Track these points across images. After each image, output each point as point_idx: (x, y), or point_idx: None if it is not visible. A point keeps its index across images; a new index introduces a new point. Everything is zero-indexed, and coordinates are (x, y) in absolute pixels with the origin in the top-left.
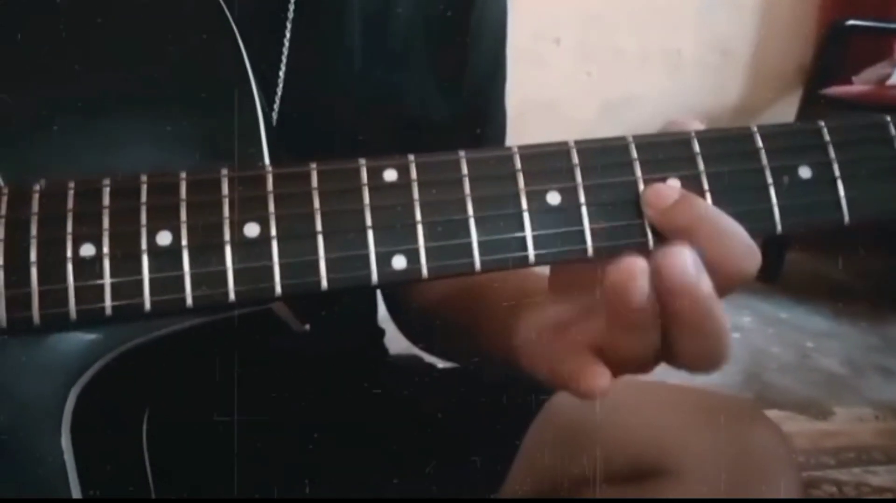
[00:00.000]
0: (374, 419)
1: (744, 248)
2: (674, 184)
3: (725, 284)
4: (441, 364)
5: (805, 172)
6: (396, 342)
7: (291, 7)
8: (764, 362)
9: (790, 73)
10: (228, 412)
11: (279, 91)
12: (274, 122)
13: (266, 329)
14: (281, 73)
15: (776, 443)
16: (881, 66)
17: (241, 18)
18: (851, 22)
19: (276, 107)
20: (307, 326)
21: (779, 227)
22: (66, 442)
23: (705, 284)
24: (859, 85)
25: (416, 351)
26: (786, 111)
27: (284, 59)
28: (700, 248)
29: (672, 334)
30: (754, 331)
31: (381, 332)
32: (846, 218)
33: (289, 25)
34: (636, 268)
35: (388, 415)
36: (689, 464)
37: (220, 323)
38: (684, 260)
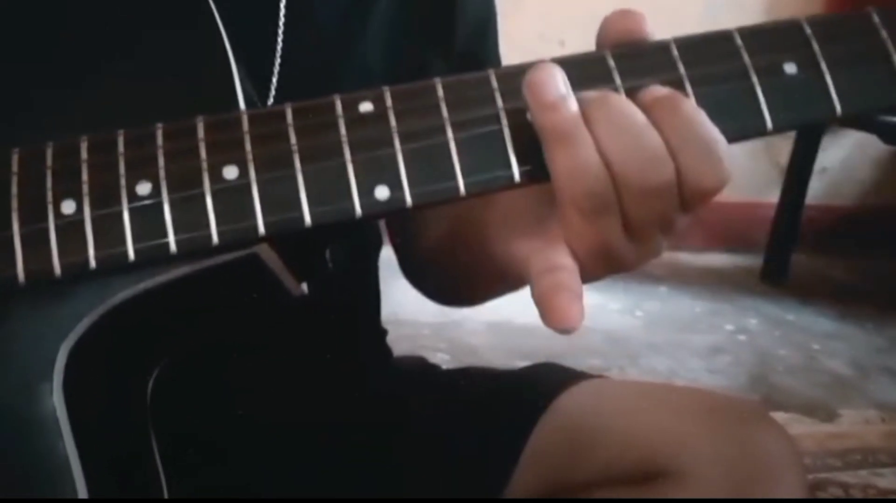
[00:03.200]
0: (377, 419)
1: (716, 163)
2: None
3: (697, 199)
4: (445, 366)
5: (790, 68)
6: (398, 343)
7: None
8: (770, 364)
9: None
10: (229, 410)
11: (276, 67)
12: (271, 98)
13: (262, 289)
14: (278, 48)
15: (782, 446)
16: None
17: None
18: None
19: (273, 82)
20: (304, 287)
21: (769, 125)
22: (57, 398)
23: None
24: None
25: (419, 352)
26: None
27: (280, 36)
28: (677, 153)
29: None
30: (760, 333)
31: (384, 333)
32: (838, 109)
33: (283, 2)
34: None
35: (392, 416)
36: (694, 466)
37: (209, 274)
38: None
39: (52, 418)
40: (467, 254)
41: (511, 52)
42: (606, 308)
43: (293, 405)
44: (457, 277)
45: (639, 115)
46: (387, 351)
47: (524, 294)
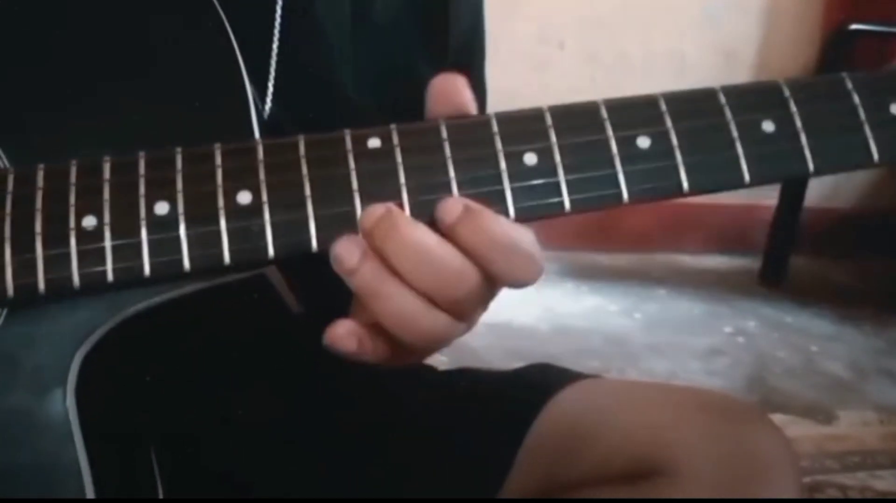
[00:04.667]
0: (374, 419)
1: (526, 262)
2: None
3: (508, 287)
4: (442, 367)
5: (768, 126)
6: None
7: None
8: (768, 366)
9: (796, 75)
10: (229, 401)
11: (272, 66)
12: (270, 95)
13: (264, 306)
14: (274, 47)
15: (776, 444)
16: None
17: None
18: (855, 26)
19: (270, 81)
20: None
21: (747, 178)
22: (70, 403)
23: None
24: None
25: None
26: None
27: (277, 34)
28: (485, 264)
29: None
30: (759, 335)
31: None
32: (811, 167)
33: (279, 1)
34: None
35: (389, 416)
36: (688, 463)
37: (218, 292)
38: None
39: (63, 422)
40: None
41: (511, 54)
42: (605, 310)
43: (291, 405)
44: None
45: (428, 239)
46: None
47: (523, 296)
